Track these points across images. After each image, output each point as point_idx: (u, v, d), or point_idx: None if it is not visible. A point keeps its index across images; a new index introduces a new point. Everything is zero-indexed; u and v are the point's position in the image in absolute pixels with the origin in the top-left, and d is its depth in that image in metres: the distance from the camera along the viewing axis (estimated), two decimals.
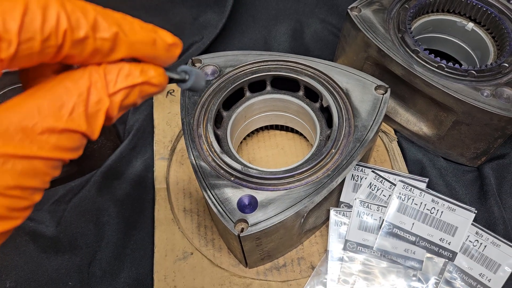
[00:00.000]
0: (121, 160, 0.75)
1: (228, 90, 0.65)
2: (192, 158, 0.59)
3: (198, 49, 0.85)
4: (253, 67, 0.68)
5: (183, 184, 0.73)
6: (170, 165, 0.75)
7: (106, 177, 0.73)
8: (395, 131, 0.77)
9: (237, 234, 0.53)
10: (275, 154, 0.75)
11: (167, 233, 0.67)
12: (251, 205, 0.55)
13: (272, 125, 0.77)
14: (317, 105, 0.68)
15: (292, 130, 0.77)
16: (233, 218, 0.54)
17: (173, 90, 0.82)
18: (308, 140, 0.75)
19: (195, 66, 0.69)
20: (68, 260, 0.67)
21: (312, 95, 0.68)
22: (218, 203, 0.55)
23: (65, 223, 0.70)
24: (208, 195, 0.56)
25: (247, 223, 0.54)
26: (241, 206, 0.55)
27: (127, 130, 0.78)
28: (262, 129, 0.77)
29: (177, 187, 0.72)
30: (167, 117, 0.79)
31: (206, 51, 0.86)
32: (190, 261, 0.65)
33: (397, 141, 0.76)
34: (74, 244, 0.68)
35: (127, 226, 0.69)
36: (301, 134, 0.76)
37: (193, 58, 0.69)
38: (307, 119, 0.69)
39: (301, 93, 0.69)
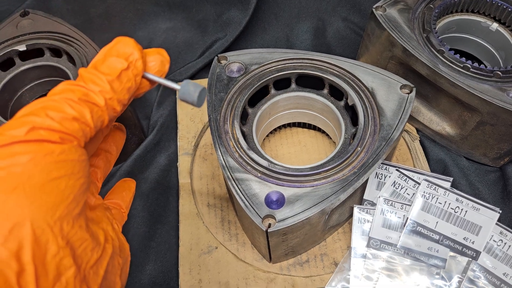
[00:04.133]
0: (145, 155, 0.76)
1: (254, 87, 0.66)
2: (220, 154, 0.60)
3: (221, 46, 0.86)
4: (278, 65, 0.69)
5: (206, 179, 0.74)
6: (194, 160, 0.76)
7: (132, 171, 0.74)
8: (417, 130, 0.77)
9: (264, 230, 0.54)
10: (297, 151, 0.76)
11: (192, 227, 0.68)
12: (279, 201, 0.56)
13: (295, 122, 0.77)
14: (342, 103, 0.68)
15: (314, 128, 0.77)
16: (261, 214, 0.55)
17: None
18: (330, 138, 0.76)
19: (221, 63, 0.69)
20: None
21: (336, 93, 0.68)
22: (245, 199, 0.56)
23: None
24: (236, 191, 0.57)
25: (275, 218, 0.55)
26: (269, 202, 0.56)
27: (151, 126, 0.79)
28: (284, 126, 0.78)
29: (200, 182, 0.73)
30: (190, 113, 0.80)
31: (229, 48, 0.86)
32: (214, 255, 0.66)
33: (419, 140, 0.76)
34: None
35: (152, 220, 0.70)
36: (323, 132, 0.76)
37: (218, 55, 0.70)
38: (331, 117, 0.70)
39: (325, 91, 0.70)
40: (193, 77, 0.85)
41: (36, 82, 0.81)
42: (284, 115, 0.74)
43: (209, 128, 0.79)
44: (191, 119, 0.80)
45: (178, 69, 0.85)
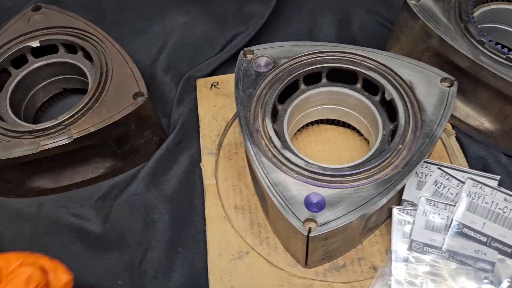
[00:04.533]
0: (167, 155, 0.72)
1: (284, 82, 0.63)
2: (253, 153, 0.56)
3: (243, 40, 0.82)
4: (308, 59, 0.65)
5: (232, 180, 0.70)
6: (218, 160, 0.72)
7: (154, 172, 0.71)
8: (452, 126, 0.74)
9: (305, 234, 0.51)
10: (326, 149, 0.72)
11: (220, 231, 0.65)
12: (319, 204, 0.52)
13: (323, 119, 0.74)
14: (377, 98, 0.64)
15: (343, 124, 0.74)
16: (301, 217, 0.51)
17: (217, 83, 0.80)
18: (361, 135, 0.72)
19: (247, 57, 0.66)
20: (117, 258, 0.65)
21: (370, 88, 0.65)
22: (283, 201, 0.53)
23: (113, 220, 0.68)
24: (272, 192, 0.53)
25: (316, 222, 0.51)
26: (308, 204, 0.52)
27: (172, 124, 0.76)
28: (312, 123, 0.74)
29: (226, 183, 0.70)
30: (212, 111, 0.77)
31: (251, 42, 0.83)
32: (246, 260, 0.62)
33: (455, 136, 0.72)
34: (122, 242, 0.66)
35: (177, 223, 0.67)
36: (353, 129, 0.73)
37: (244, 49, 0.66)
38: (364, 113, 0.66)
39: (358, 85, 0.66)
40: (213, 72, 0.81)
41: (49, 80, 0.78)
42: (314, 112, 0.70)
43: (232, 127, 0.76)
44: (213, 117, 0.76)
45: (197, 65, 0.81)
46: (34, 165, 0.66)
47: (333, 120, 0.73)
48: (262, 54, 0.66)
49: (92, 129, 0.62)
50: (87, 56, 0.73)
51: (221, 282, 0.60)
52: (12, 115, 0.67)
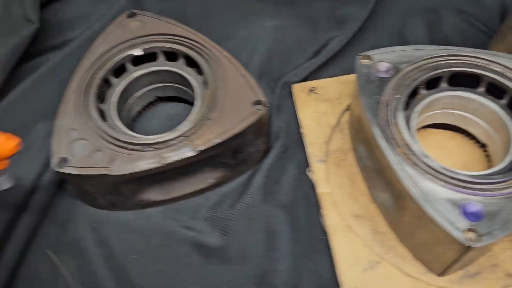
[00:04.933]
0: (276, 164, 0.71)
1: (410, 87, 0.62)
2: (397, 162, 0.55)
3: (339, 44, 0.80)
4: (430, 63, 0.64)
5: (346, 188, 0.69)
6: (328, 168, 0.71)
7: (266, 182, 0.69)
8: None
9: (467, 245, 0.50)
10: (436, 154, 0.70)
11: (345, 241, 0.63)
12: (478, 213, 0.51)
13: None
14: (503, 102, 0.63)
15: (451, 128, 0.72)
16: (460, 227, 0.50)
17: (315, 88, 0.78)
18: (472, 139, 0.71)
19: (362, 62, 0.65)
20: (239, 271, 0.64)
21: (495, 92, 0.64)
22: (437, 211, 0.52)
23: (231, 232, 0.66)
24: (424, 203, 0.52)
25: (477, 232, 0.50)
26: (467, 214, 0.51)
27: (274, 132, 0.74)
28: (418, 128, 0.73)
29: (340, 191, 0.68)
30: (314, 116, 0.75)
31: (346, 46, 0.81)
32: (378, 270, 0.61)
33: None
34: (243, 255, 0.65)
35: (297, 234, 0.65)
36: (462, 132, 0.72)
37: (361, 54, 0.65)
38: (487, 117, 0.65)
39: (481, 89, 0.65)
40: (308, 77, 0.79)
41: (147, 89, 0.76)
42: (429, 116, 0.69)
43: (335, 133, 0.74)
44: (317, 123, 0.74)
45: (292, 70, 0.80)
46: (149, 178, 0.64)
47: (436, 123, 0.72)
48: (381, 59, 0.65)
49: (217, 141, 0.60)
50: (190, 63, 0.71)
51: None
52: (123, 127, 0.65)
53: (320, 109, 0.76)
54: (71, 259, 0.66)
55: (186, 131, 0.61)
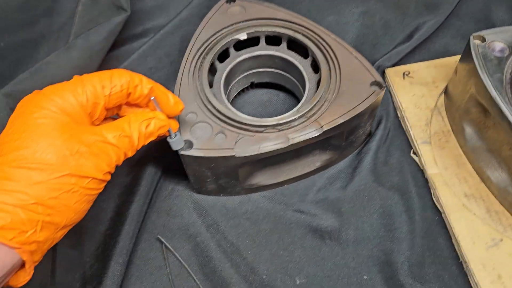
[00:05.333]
0: (381, 146, 0.71)
1: None
2: None
3: (432, 28, 0.81)
4: None
5: (453, 169, 0.69)
6: (433, 149, 0.71)
7: (375, 164, 0.69)
8: None
9: None
10: None
11: (464, 220, 0.64)
12: None
13: None
14: None
15: None
16: None
17: (409, 72, 0.78)
18: None
19: (475, 43, 0.65)
20: (357, 252, 0.64)
21: None
22: None
23: (345, 213, 0.66)
24: None
25: None
26: None
27: (377, 116, 0.74)
28: None
29: (447, 172, 0.69)
30: (413, 100, 0.75)
31: (437, 31, 0.82)
32: (503, 248, 0.61)
33: None
34: (360, 235, 0.65)
35: (412, 214, 0.66)
36: None
37: (474, 34, 0.65)
38: None
39: None
40: (399, 62, 0.80)
41: (243, 75, 0.75)
42: None
43: (433, 115, 0.75)
44: (416, 106, 0.75)
45: (382, 56, 0.80)
46: (263, 161, 0.64)
47: None
48: (494, 39, 0.65)
49: (341, 120, 0.60)
50: (293, 47, 0.71)
51: (485, 271, 0.59)
52: (236, 111, 0.65)
53: (417, 92, 0.76)
54: (183, 245, 0.66)
55: (307, 112, 0.61)
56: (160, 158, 0.71)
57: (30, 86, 0.68)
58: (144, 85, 0.50)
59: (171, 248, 0.65)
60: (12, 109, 0.67)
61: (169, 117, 0.54)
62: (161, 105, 0.53)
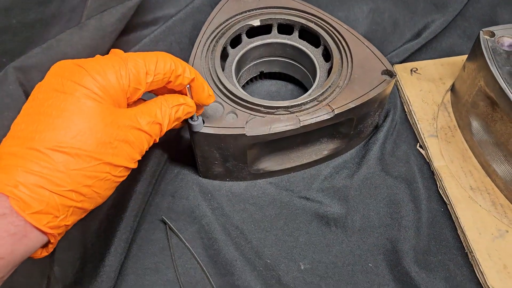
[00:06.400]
0: (388, 138, 0.71)
1: None
2: None
3: (440, 26, 0.82)
4: None
5: (458, 162, 0.70)
6: (439, 143, 0.71)
7: (383, 154, 0.69)
8: None
9: None
10: None
11: (470, 211, 0.64)
12: None
13: None
14: None
15: None
16: None
17: (416, 69, 0.79)
18: None
19: (485, 37, 0.66)
20: (363, 240, 0.63)
21: None
22: None
23: (351, 201, 0.66)
24: None
25: None
26: None
27: (385, 108, 0.75)
28: None
29: (453, 164, 0.69)
30: (420, 95, 0.76)
31: (445, 29, 0.83)
32: (509, 239, 0.61)
33: None
34: (366, 223, 0.64)
35: (418, 204, 0.66)
36: None
37: (483, 30, 0.66)
38: None
39: None
40: (407, 59, 0.81)
41: (253, 63, 0.76)
42: None
43: (440, 111, 0.75)
44: (423, 101, 0.76)
45: (390, 52, 0.81)
46: (271, 145, 0.64)
47: None
48: (504, 35, 0.66)
49: (352, 105, 0.61)
50: (304, 37, 0.72)
51: (491, 261, 0.59)
52: (245, 93, 0.65)
53: (424, 87, 0.77)
54: (188, 227, 0.65)
55: (318, 96, 0.62)
56: (167, 141, 0.70)
57: (41, 62, 0.68)
58: (186, 75, 0.48)
59: (174, 229, 0.64)
60: (22, 84, 0.67)
61: None
62: (194, 94, 0.51)
